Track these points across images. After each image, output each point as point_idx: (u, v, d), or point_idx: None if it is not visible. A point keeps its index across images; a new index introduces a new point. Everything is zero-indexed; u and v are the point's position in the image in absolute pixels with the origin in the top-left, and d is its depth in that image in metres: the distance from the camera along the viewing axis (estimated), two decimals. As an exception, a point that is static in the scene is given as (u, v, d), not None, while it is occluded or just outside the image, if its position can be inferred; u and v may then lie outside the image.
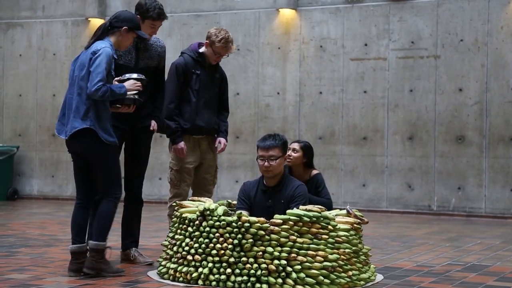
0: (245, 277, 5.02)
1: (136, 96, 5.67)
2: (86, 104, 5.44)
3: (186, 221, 5.36)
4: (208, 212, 5.24)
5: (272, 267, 4.99)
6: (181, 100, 6.32)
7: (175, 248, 5.36)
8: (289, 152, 6.12)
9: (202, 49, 6.39)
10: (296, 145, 6.30)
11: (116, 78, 5.96)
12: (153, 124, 6.19)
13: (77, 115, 5.44)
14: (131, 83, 5.64)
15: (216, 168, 6.59)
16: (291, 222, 5.11)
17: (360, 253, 5.44)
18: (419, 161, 10.89)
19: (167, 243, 5.51)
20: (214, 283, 5.09)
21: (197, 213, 5.30)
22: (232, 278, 5.05)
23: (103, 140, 5.45)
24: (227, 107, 6.64)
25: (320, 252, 5.06)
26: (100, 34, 5.58)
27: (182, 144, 6.27)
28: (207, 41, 6.32)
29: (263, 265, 5.01)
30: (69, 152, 5.69)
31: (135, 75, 5.76)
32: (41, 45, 13.01)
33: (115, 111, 5.71)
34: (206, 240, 5.18)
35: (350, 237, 5.32)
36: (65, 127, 5.55)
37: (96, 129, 5.43)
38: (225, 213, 5.30)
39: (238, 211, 5.26)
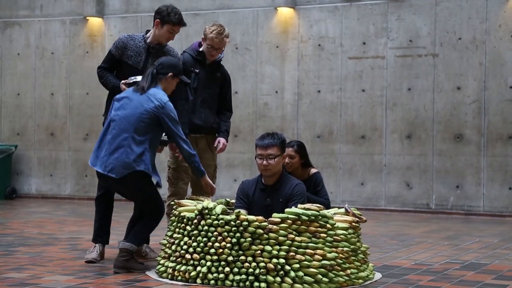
0: (243, 276, 5.02)
1: (166, 138, 5.91)
2: (142, 147, 5.61)
3: (185, 220, 5.36)
4: (206, 211, 5.25)
5: (271, 265, 4.99)
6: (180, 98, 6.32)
7: (173, 247, 5.36)
8: (286, 160, 6.09)
9: (202, 48, 6.39)
10: (290, 151, 6.22)
11: (122, 81, 6.01)
12: None
13: (134, 156, 5.59)
14: (209, 185, 5.89)
15: (215, 168, 6.57)
16: (289, 221, 5.11)
17: (359, 252, 5.44)
18: (418, 160, 10.89)
19: (165, 242, 5.51)
20: (212, 281, 5.09)
21: (196, 211, 5.30)
22: (231, 276, 5.05)
23: (155, 182, 5.71)
24: (230, 107, 6.62)
25: (318, 251, 5.07)
26: (151, 80, 5.74)
27: None
28: (203, 37, 6.33)
29: (262, 264, 5.01)
30: (105, 184, 5.90)
31: (139, 78, 5.85)
32: (39, 44, 13.01)
33: None
34: (205, 239, 5.18)
35: (348, 236, 5.33)
36: (102, 161, 5.66)
37: (150, 173, 5.64)
38: (224, 212, 5.31)
39: (237, 210, 5.26)
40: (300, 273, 4.98)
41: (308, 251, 5.05)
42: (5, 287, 5.04)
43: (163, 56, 6.13)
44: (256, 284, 4.99)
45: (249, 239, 5.07)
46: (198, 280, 5.14)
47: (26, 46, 13.08)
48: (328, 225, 5.21)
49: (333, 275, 5.07)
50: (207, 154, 6.45)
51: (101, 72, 6.23)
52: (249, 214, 5.40)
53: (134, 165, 5.56)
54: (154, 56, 6.18)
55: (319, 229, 5.15)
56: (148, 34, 6.25)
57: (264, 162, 5.57)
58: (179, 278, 5.24)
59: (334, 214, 5.50)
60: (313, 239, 5.11)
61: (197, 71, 6.35)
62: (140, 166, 5.58)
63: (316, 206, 5.24)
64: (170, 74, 5.77)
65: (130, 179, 5.60)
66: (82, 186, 12.59)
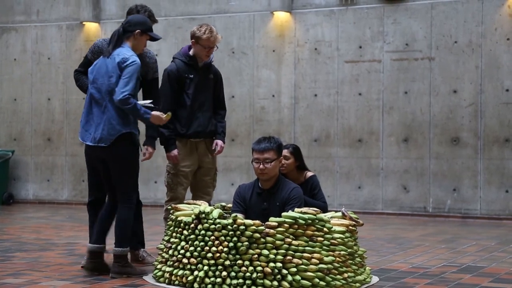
0: (240, 280, 5.02)
1: (149, 104, 5.72)
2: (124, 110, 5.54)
3: (182, 224, 5.36)
4: (203, 215, 5.25)
5: (268, 269, 4.99)
6: (177, 105, 6.32)
7: (170, 251, 5.37)
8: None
9: (192, 52, 6.39)
10: (285, 152, 6.23)
11: None
12: None
13: (116, 119, 5.52)
14: (158, 118, 5.64)
15: (215, 171, 6.58)
16: (286, 225, 5.11)
17: (356, 255, 5.45)
18: (414, 163, 10.90)
19: (162, 246, 5.51)
20: (209, 286, 5.09)
21: (193, 216, 5.30)
22: (228, 281, 5.05)
23: (136, 144, 5.60)
24: (224, 105, 6.63)
25: (315, 255, 5.07)
26: (117, 40, 5.62)
27: (175, 152, 6.28)
28: (192, 40, 6.33)
29: (259, 268, 5.01)
30: (93, 158, 5.75)
31: (146, 102, 5.78)
32: (35, 49, 13.00)
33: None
34: (202, 243, 5.18)
35: (345, 239, 5.33)
36: (91, 135, 5.61)
37: (135, 133, 5.58)
38: (221, 216, 5.31)
39: (234, 214, 5.26)
40: (297, 277, 4.98)
41: (305, 255, 5.05)
42: (2, 292, 5.05)
43: (140, 60, 6.14)
44: (253, 288, 4.99)
45: (246, 243, 5.07)
46: (195, 285, 5.13)
47: (22, 52, 13.07)
48: (325, 229, 5.21)
49: (330, 279, 5.08)
50: (207, 158, 6.45)
51: (77, 75, 6.31)
52: (246, 218, 5.40)
53: (120, 127, 5.53)
54: None
55: (316, 232, 5.16)
56: None
57: (261, 166, 5.58)
58: (176, 282, 5.24)
59: (331, 217, 5.50)
60: (310, 243, 5.11)
61: (191, 76, 6.35)
62: (126, 128, 5.54)
63: (313, 210, 5.25)
64: (137, 31, 5.65)
65: (117, 145, 5.54)
66: (79, 191, 12.57)
